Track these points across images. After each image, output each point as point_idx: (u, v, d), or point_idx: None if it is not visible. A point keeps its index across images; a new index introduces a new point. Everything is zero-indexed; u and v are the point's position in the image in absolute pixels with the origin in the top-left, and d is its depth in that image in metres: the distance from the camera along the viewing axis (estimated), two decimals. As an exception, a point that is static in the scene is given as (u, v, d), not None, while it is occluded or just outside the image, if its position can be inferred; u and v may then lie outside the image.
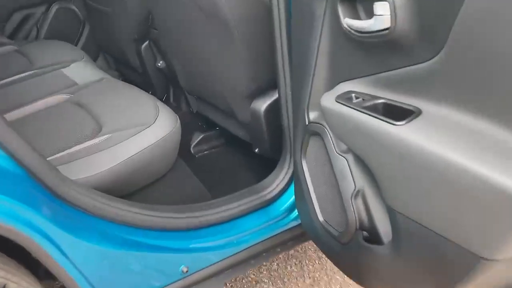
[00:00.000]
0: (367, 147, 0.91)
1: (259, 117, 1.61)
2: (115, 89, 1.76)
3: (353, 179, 1.02)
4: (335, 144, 1.04)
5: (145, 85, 2.37)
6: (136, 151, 1.42)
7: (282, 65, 1.40)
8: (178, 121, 1.62)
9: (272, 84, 1.57)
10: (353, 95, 0.96)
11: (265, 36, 1.45)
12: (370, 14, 0.87)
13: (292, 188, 1.55)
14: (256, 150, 1.75)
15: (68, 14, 2.67)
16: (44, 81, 1.93)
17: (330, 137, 1.05)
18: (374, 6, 0.84)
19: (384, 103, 0.89)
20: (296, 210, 1.52)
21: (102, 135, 1.45)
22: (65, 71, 1.99)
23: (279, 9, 1.30)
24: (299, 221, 1.50)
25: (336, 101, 0.97)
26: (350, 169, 1.02)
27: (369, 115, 0.88)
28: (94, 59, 2.76)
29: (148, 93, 2.37)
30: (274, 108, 1.56)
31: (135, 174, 1.43)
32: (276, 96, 1.57)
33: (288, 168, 1.54)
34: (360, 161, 0.99)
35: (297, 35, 1.16)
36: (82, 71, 2.00)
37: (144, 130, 1.48)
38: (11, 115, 1.67)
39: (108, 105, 1.63)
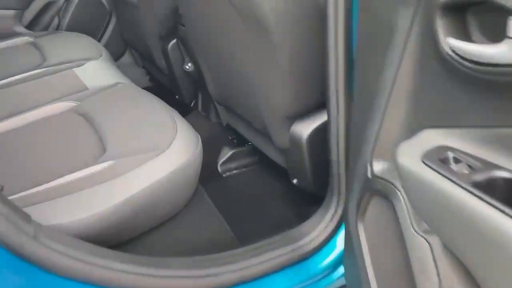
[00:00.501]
0: (474, 248, 0.57)
1: (300, 145, 1.28)
2: (129, 99, 1.46)
3: (438, 275, 0.68)
4: (413, 219, 0.71)
5: (172, 88, 2.09)
6: (144, 185, 1.12)
7: (336, 84, 1.07)
8: (200, 143, 1.32)
9: (319, 105, 1.25)
10: (451, 155, 0.62)
11: (315, 45, 1.13)
12: (495, 34, 0.53)
13: (337, 237, 1.22)
14: (294, 181, 1.43)
15: (93, 3, 2.41)
16: (52, 83, 1.67)
17: (406, 207, 0.72)
18: (510, 22, 0.50)
19: (509, 180, 0.55)
20: (342, 266, 1.20)
21: (104, 161, 1.16)
22: (78, 71, 1.72)
23: (337, 11, 0.98)
24: (344, 282, 1.18)
25: (423, 162, 0.64)
26: (434, 259, 0.68)
27: (484, 200, 0.54)
28: (121, 54, 2.50)
29: (175, 97, 2.12)
30: (320, 135, 1.24)
31: (141, 214, 1.13)
32: (324, 120, 1.24)
33: (334, 213, 1.21)
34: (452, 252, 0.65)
35: (364, 50, 0.82)
36: (96, 72, 1.72)
37: (156, 157, 1.18)
38: (3, 125, 1.41)
39: (118, 120, 1.34)
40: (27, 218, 0.85)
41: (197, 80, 1.86)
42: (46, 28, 2.37)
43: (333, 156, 1.16)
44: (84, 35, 2.13)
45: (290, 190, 1.56)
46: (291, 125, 1.30)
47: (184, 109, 2.18)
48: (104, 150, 1.21)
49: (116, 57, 2.49)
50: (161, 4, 1.82)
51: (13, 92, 1.65)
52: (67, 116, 1.40)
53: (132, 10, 2.05)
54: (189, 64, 1.85)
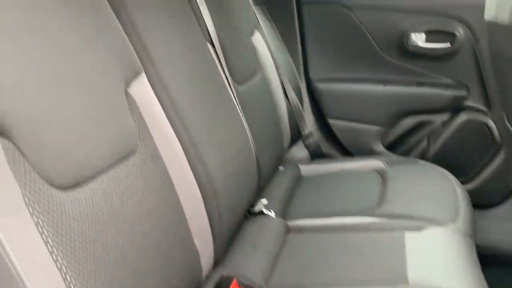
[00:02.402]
0: None
1: None
2: None
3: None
4: None
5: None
6: None
7: None
8: None
9: None
10: None
11: None
12: None
13: None
14: None
15: (479, 131, 1.81)
16: (371, 250, 1.16)
17: None
18: None
19: None
20: None
21: None
22: (410, 238, 1.15)
23: None
24: None
25: None
26: None
27: None
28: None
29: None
30: None
31: None
32: None
33: None
34: None
35: None
36: (431, 250, 1.11)
37: None
38: None
39: None
40: None
41: None
42: (407, 152, 1.91)
43: None
44: (449, 176, 1.54)
45: None
46: None
47: None
48: None
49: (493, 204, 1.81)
50: None
51: (331, 244, 1.23)
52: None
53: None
54: None
